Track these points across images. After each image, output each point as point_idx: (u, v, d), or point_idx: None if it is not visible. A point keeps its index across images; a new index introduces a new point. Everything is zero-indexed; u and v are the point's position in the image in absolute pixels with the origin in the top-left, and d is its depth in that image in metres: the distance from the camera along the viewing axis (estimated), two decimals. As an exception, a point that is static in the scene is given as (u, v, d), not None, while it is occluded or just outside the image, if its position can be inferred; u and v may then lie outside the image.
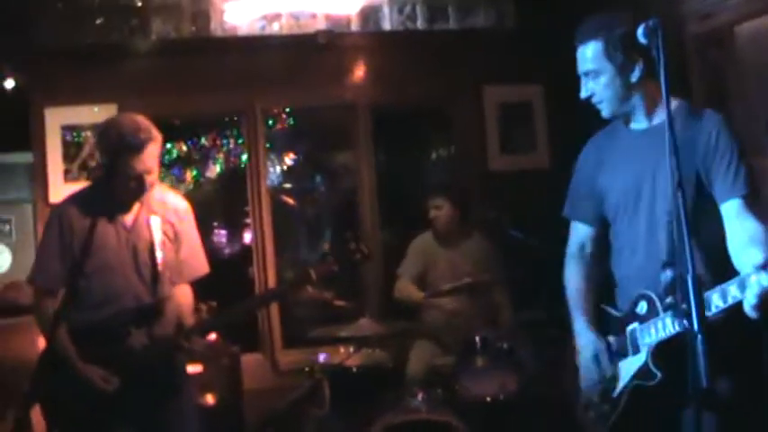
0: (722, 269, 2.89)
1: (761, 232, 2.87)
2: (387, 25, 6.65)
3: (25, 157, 6.86)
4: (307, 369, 5.38)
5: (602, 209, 3.40)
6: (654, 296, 3.07)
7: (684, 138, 2.98)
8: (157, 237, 3.96)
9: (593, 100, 3.20)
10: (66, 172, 6.31)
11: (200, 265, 4.22)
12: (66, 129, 6.34)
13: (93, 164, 6.25)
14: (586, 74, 3.18)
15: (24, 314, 5.16)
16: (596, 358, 3.28)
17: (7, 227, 8.58)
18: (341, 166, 8.62)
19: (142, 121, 3.84)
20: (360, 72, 6.89)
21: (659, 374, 3.01)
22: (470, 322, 5.64)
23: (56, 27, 6.24)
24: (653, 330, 3.06)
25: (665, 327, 2.99)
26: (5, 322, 5.18)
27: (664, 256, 3.05)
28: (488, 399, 4.88)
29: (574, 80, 3.24)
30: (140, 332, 3.90)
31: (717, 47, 5.26)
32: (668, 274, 3.00)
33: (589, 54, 3.14)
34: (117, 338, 3.86)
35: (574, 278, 3.51)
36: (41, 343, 3.98)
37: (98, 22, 6.29)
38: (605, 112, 3.21)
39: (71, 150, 6.33)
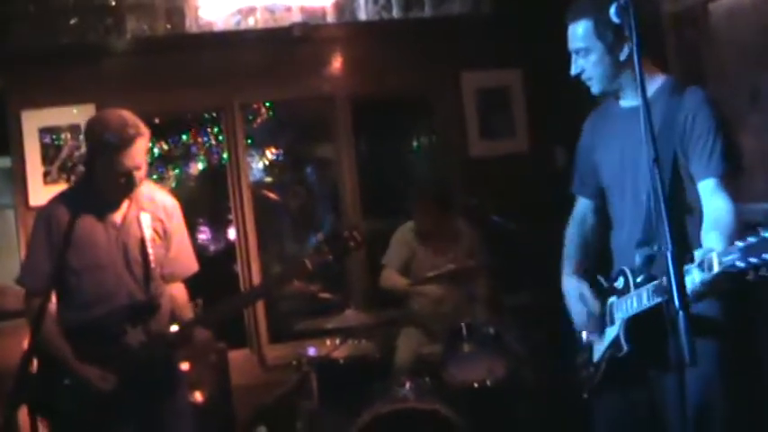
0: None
1: (727, 214, 2.91)
2: (362, 15, 6.64)
3: (3, 162, 6.82)
4: (294, 363, 5.38)
5: (600, 184, 3.49)
6: (628, 272, 3.13)
7: (666, 116, 3.04)
8: (147, 234, 3.93)
9: (583, 77, 3.25)
10: (46, 174, 6.27)
11: (191, 263, 4.21)
12: (45, 131, 6.30)
13: (72, 165, 6.23)
14: (576, 51, 3.22)
15: (9, 318, 5.15)
16: (581, 297, 3.39)
17: (-11, 232, 8.55)
18: (322, 159, 8.61)
19: (129, 116, 3.79)
20: (337, 63, 6.88)
21: (626, 347, 3.11)
22: (456, 309, 5.66)
23: (30, 29, 6.20)
24: (625, 305, 3.14)
25: (634, 303, 3.07)
26: (-11, 327, 5.16)
27: (639, 234, 3.11)
28: (476, 385, 4.89)
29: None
30: (136, 330, 3.87)
31: (692, 25, 5.26)
32: (642, 252, 3.04)
33: (580, 32, 3.18)
34: (113, 337, 3.83)
35: (571, 237, 3.63)
36: (25, 346, 3.96)
37: (72, 22, 6.25)
38: (595, 88, 3.26)
39: (50, 152, 6.29)
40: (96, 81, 6.37)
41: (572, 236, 3.63)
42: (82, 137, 6.22)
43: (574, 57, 3.24)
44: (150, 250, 3.92)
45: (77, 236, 3.74)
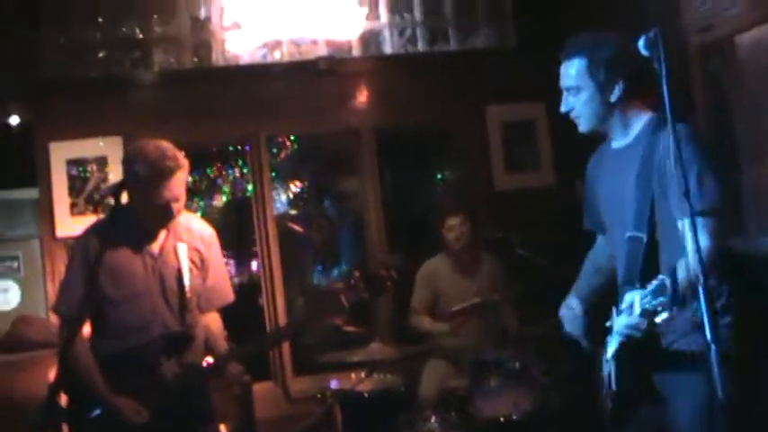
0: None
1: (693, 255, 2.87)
2: (388, 49, 6.67)
3: (31, 193, 6.87)
4: (319, 396, 5.34)
5: (603, 220, 3.49)
6: (614, 312, 3.14)
7: (645, 155, 3.08)
8: (185, 264, 3.90)
9: (572, 115, 3.25)
10: (73, 206, 6.31)
11: (227, 293, 4.17)
12: (72, 163, 6.34)
13: (99, 197, 6.25)
14: (568, 89, 3.23)
15: (35, 349, 5.16)
16: (566, 304, 3.49)
17: (15, 263, 8.59)
18: (347, 192, 8.62)
19: (168, 147, 3.76)
20: (362, 97, 6.90)
21: (614, 387, 3.15)
22: (481, 342, 5.63)
23: (58, 62, 6.25)
24: (610, 345, 3.16)
25: (612, 344, 3.13)
26: (16, 357, 5.16)
27: (622, 273, 3.13)
28: (502, 419, 4.85)
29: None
30: (171, 362, 3.83)
31: (718, 57, 5.25)
32: (623, 291, 3.03)
33: (572, 71, 3.19)
34: (147, 368, 3.79)
35: (584, 267, 3.66)
36: (51, 377, 3.96)
37: (100, 55, 6.31)
38: (582, 127, 3.26)
39: (77, 184, 6.33)
40: (123, 113, 6.42)
41: (585, 266, 3.66)
42: (108, 168, 6.27)
43: (565, 94, 3.25)
44: (187, 281, 3.88)
45: (114, 265, 3.74)
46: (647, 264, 2.63)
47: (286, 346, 6.69)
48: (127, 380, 3.74)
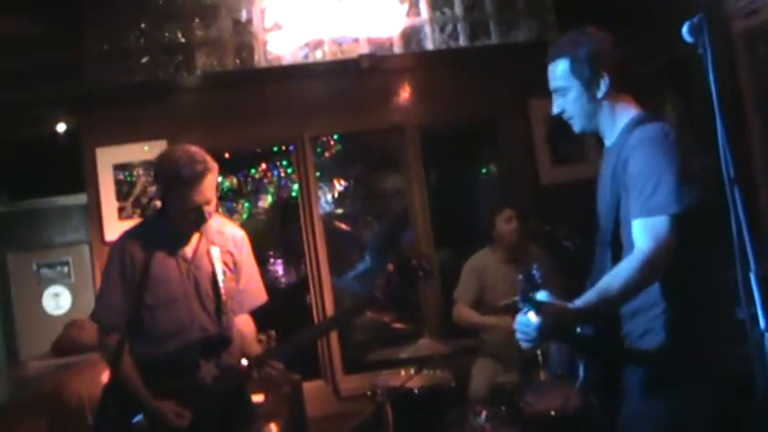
0: (674, 292, 2.93)
1: (628, 260, 2.86)
2: (429, 45, 6.65)
3: (79, 199, 6.96)
4: (369, 393, 5.35)
5: None
6: None
7: (618, 157, 3.05)
8: (218, 267, 3.94)
9: (564, 116, 3.23)
10: (121, 210, 6.38)
11: (260, 294, 4.20)
12: (118, 167, 6.43)
13: (147, 200, 6.32)
14: (556, 91, 3.22)
15: (86, 352, 5.22)
16: None
17: (66, 268, 8.75)
18: (392, 189, 8.61)
19: (197, 151, 3.79)
20: (405, 93, 6.91)
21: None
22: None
23: (102, 69, 6.31)
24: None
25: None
26: (68, 360, 5.22)
27: (591, 279, 3.10)
28: (553, 413, 4.81)
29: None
30: (209, 364, 3.88)
31: (764, 41, 5.18)
32: None
33: (558, 72, 3.18)
34: (186, 371, 3.84)
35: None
36: (104, 380, 3.99)
37: (144, 60, 6.36)
38: (576, 127, 3.24)
39: (124, 188, 6.41)
40: (167, 117, 6.49)
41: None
42: (154, 173, 6.33)
43: (554, 96, 3.23)
44: (221, 284, 3.92)
45: (150, 270, 3.77)
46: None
47: (335, 345, 6.72)
48: (166, 384, 3.78)
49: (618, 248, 2.97)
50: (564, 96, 3.18)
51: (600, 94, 3.11)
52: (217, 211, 4.02)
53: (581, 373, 3.10)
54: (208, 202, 3.81)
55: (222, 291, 3.93)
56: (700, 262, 2.94)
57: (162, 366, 3.81)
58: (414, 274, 4.03)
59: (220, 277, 3.94)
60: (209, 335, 3.90)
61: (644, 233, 2.84)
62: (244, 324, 4.11)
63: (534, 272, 2.86)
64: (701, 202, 2.88)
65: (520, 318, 2.90)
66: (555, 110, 3.24)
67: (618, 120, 3.12)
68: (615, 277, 2.83)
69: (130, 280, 3.81)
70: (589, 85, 3.11)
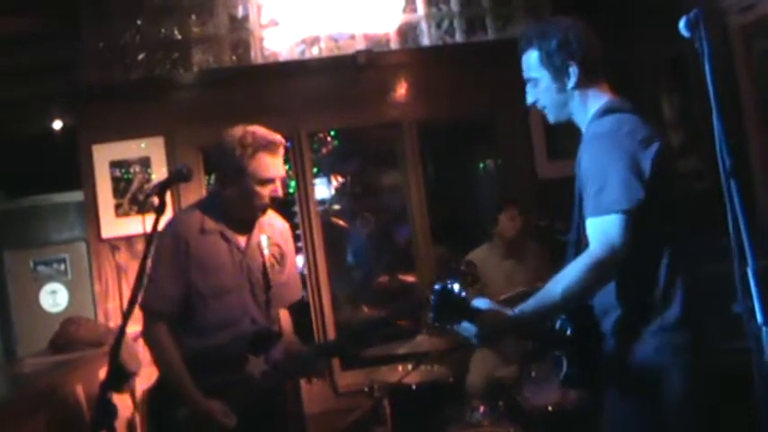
0: (632, 291, 2.91)
1: (575, 261, 2.82)
2: (426, 41, 6.66)
3: (76, 196, 6.95)
4: (366, 389, 5.35)
5: None
6: None
7: (579, 155, 3.04)
8: (268, 259, 3.89)
9: (538, 106, 3.21)
10: (117, 207, 6.37)
11: (298, 289, 4.19)
12: (115, 164, 6.41)
13: (142, 197, 6.31)
14: (528, 81, 3.20)
15: (84, 349, 5.21)
16: None
17: (63, 266, 8.74)
18: (390, 185, 8.61)
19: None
20: (402, 89, 6.90)
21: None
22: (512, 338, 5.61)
23: (99, 65, 6.32)
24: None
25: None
26: (66, 357, 5.22)
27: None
28: (551, 408, 4.83)
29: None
30: (258, 359, 3.79)
31: (762, 36, 5.18)
32: None
33: (529, 62, 3.16)
34: (234, 365, 3.74)
35: None
36: (102, 376, 3.98)
37: (140, 57, 6.36)
38: (550, 117, 3.22)
39: (121, 185, 6.40)
40: (164, 114, 6.47)
41: None
42: (151, 169, 6.32)
43: (528, 86, 3.22)
44: (270, 275, 3.87)
45: (204, 259, 3.72)
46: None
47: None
48: (214, 377, 3.69)
49: (581, 247, 2.91)
50: (536, 87, 3.16)
51: (570, 84, 3.07)
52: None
53: (563, 369, 3.10)
54: (282, 176, 3.80)
55: (272, 282, 3.87)
56: (660, 259, 2.88)
57: (210, 359, 3.72)
58: (464, 282, 3.96)
59: (270, 269, 3.88)
60: (260, 328, 3.84)
61: (594, 233, 2.80)
62: (283, 318, 4.07)
63: (450, 284, 2.86)
64: (665, 197, 2.85)
65: (462, 323, 2.93)
66: (528, 100, 3.22)
67: (589, 109, 3.08)
68: (560, 279, 2.82)
69: (183, 266, 3.72)
70: (558, 76, 3.08)
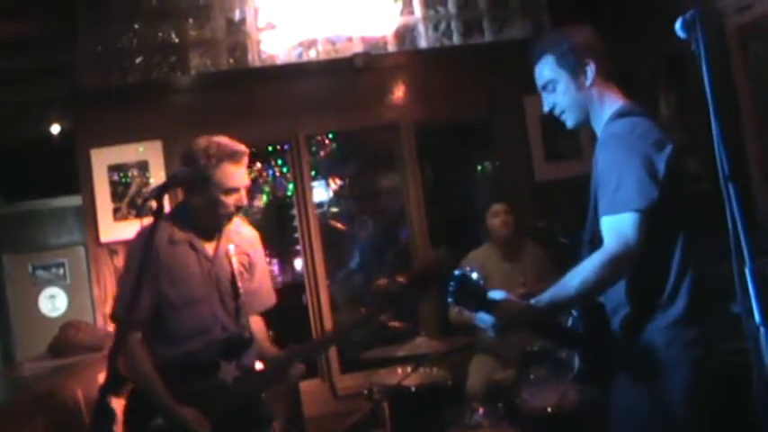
0: (642, 289, 2.94)
1: (590, 258, 2.86)
2: (423, 43, 6.67)
3: (74, 200, 6.95)
4: (366, 392, 5.35)
5: None
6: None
7: (595, 156, 3.06)
8: (236, 267, 3.90)
9: (556, 112, 3.23)
10: (116, 211, 6.37)
11: (270, 296, 4.17)
12: (113, 168, 6.41)
13: (140, 201, 6.31)
14: (544, 87, 3.23)
15: (82, 353, 5.22)
16: None
17: (62, 270, 8.74)
18: (388, 187, 8.62)
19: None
20: (400, 92, 6.90)
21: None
22: (527, 333, 5.60)
23: (96, 69, 6.32)
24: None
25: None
26: (64, 362, 5.22)
27: None
28: (550, 410, 4.82)
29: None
30: (230, 365, 3.81)
31: (758, 38, 5.19)
32: None
33: (544, 68, 3.21)
34: (206, 372, 3.77)
35: None
36: (100, 380, 3.98)
37: (137, 61, 6.37)
38: (569, 121, 3.23)
39: (119, 189, 6.40)
40: (162, 118, 6.48)
41: None
42: (149, 173, 6.32)
43: (543, 95, 3.25)
44: (239, 283, 3.88)
45: (173, 268, 3.73)
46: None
47: (332, 344, 6.72)
48: (187, 385, 3.70)
49: (596, 247, 2.94)
50: (553, 91, 3.19)
51: (588, 81, 3.11)
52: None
53: (576, 365, 3.12)
54: (246, 185, 3.81)
55: (241, 290, 3.88)
56: (671, 259, 2.92)
57: (182, 367, 3.74)
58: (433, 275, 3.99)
59: (238, 277, 3.89)
60: (231, 335, 3.84)
61: (609, 231, 2.85)
62: (255, 325, 4.06)
63: (473, 273, 2.88)
64: (676, 198, 2.88)
65: (479, 314, 2.98)
66: (545, 107, 3.24)
67: (605, 111, 3.12)
68: (576, 274, 2.86)
69: (152, 276, 3.72)
70: (576, 74, 3.13)
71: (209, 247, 3.89)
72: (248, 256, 4.01)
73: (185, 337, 3.78)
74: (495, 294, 2.95)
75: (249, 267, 4.02)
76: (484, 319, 2.98)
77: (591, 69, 3.10)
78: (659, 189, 2.83)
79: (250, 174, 8.52)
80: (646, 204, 2.80)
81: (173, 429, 3.67)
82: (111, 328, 6.03)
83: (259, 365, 4.01)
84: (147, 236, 3.77)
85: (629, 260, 2.80)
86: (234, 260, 3.90)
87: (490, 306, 2.93)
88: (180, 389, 3.69)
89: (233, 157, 3.72)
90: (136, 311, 3.65)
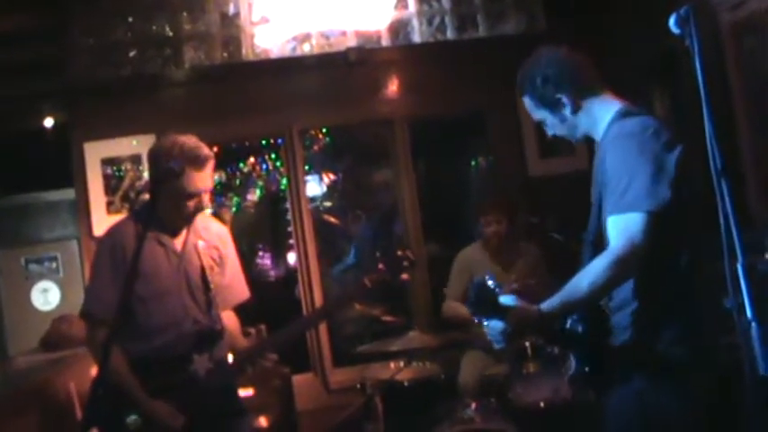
0: (646, 284, 2.94)
1: (600, 258, 2.84)
2: (417, 38, 6.65)
3: (68, 194, 6.94)
4: (359, 386, 5.36)
5: None
6: None
7: (599, 154, 3.07)
8: (206, 261, 3.94)
9: (559, 135, 3.29)
10: (109, 204, 6.37)
11: (243, 291, 4.21)
12: (107, 162, 6.41)
13: (136, 194, 6.31)
14: (539, 122, 3.31)
15: (75, 347, 5.22)
16: None
17: (54, 264, 8.73)
18: (381, 182, 8.62)
19: (197, 140, 3.80)
20: (394, 86, 6.90)
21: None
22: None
23: (90, 63, 6.30)
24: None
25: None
26: (57, 355, 5.22)
27: None
28: (542, 405, 4.83)
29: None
30: (202, 357, 3.84)
31: (752, 33, 5.19)
32: None
33: (530, 108, 3.29)
34: (179, 365, 3.80)
35: None
36: (94, 374, 3.98)
37: (131, 54, 6.35)
38: (573, 140, 3.30)
39: (112, 183, 6.39)
40: (156, 111, 6.47)
41: None
42: (143, 166, 6.32)
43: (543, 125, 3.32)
44: (210, 277, 3.93)
45: (142, 263, 3.71)
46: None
47: (325, 338, 6.72)
48: (159, 379, 3.74)
49: (600, 247, 2.93)
50: (546, 125, 3.26)
51: (567, 112, 3.15)
52: (207, 205, 4.01)
53: (572, 365, 3.12)
54: (208, 190, 3.82)
55: (211, 284, 3.92)
56: (679, 257, 2.92)
57: (154, 361, 3.77)
58: (399, 265, 4.04)
59: (208, 271, 3.93)
60: (202, 328, 3.88)
61: (616, 231, 2.83)
62: (228, 320, 4.11)
63: (489, 281, 2.88)
64: (685, 198, 2.86)
65: (488, 321, 2.96)
66: (549, 133, 3.31)
67: (600, 118, 3.12)
68: (585, 275, 2.84)
69: (122, 273, 3.74)
70: (555, 110, 3.17)
71: (177, 243, 3.93)
72: (218, 250, 4.06)
73: (157, 331, 3.81)
74: (506, 300, 2.94)
75: (220, 262, 4.06)
76: (494, 327, 2.96)
77: (566, 101, 3.13)
78: (671, 190, 2.81)
79: (243, 169, 8.58)
80: (656, 206, 2.79)
81: (146, 423, 3.69)
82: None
83: (231, 358, 4.01)
84: (114, 233, 3.89)
85: (636, 261, 2.79)
86: (203, 254, 3.94)
87: (504, 313, 2.90)
88: (153, 382, 3.73)
89: (195, 161, 3.71)
90: (105, 308, 3.72)
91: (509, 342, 2.97)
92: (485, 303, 2.89)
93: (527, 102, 3.26)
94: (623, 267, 2.80)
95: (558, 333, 3.11)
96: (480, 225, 6.00)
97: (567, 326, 3.06)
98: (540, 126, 3.33)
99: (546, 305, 2.90)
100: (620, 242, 2.80)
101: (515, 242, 6.02)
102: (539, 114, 3.24)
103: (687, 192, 2.89)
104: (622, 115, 3.07)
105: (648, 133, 2.93)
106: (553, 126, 3.23)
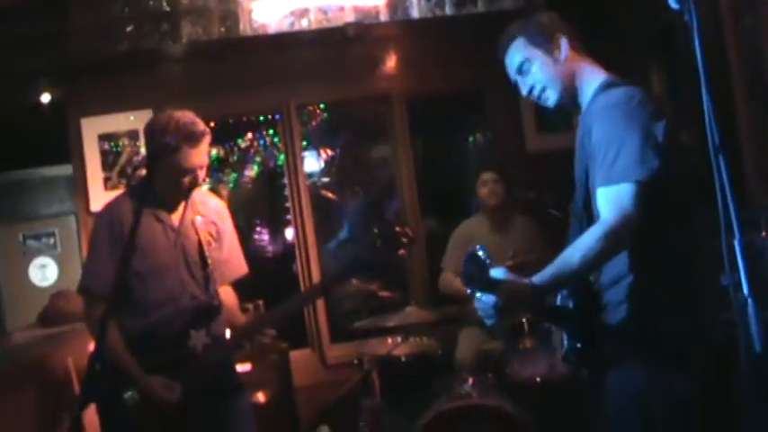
0: (642, 260, 2.91)
1: (592, 230, 2.80)
2: (415, 13, 6.62)
3: (65, 170, 6.92)
4: (356, 361, 5.38)
5: None
6: None
7: (582, 128, 3.03)
8: (203, 237, 3.94)
9: (535, 93, 3.18)
10: (107, 180, 6.37)
11: (241, 266, 4.21)
12: (104, 138, 6.40)
13: (133, 169, 6.31)
14: (520, 70, 3.20)
15: (73, 322, 5.22)
16: None
17: (52, 239, 8.73)
18: (379, 158, 8.60)
19: (193, 115, 3.80)
20: (391, 62, 6.89)
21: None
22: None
23: (87, 38, 6.27)
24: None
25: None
26: (55, 331, 5.22)
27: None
28: (539, 380, 4.85)
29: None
30: (199, 333, 3.84)
31: (751, 12, 5.17)
32: None
33: (515, 53, 3.19)
34: (176, 340, 3.80)
35: None
36: (91, 350, 3.98)
37: (128, 29, 6.32)
38: (551, 99, 3.17)
39: (109, 158, 6.39)
40: (153, 87, 6.46)
41: None
42: (140, 142, 6.31)
43: (519, 79, 3.21)
44: (207, 252, 3.93)
45: (139, 239, 3.73)
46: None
47: (322, 314, 6.74)
48: (156, 354, 3.74)
49: (588, 220, 2.92)
50: (529, 72, 3.16)
51: (562, 55, 3.10)
52: (204, 181, 4.01)
53: (564, 343, 3.11)
54: (203, 166, 3.81)
55: (209, 260, 3.93)
56: (675, 231, 2.90)
57: (152, 336, 3.77)
58: (397, 241, 4.01)
59: (205, 247, 3.94)
60: (200, 304, 3.89)
61: (607, 202, 2.80)
62: (226, 295, 4.12)
63: (479, 252, 2.84)
64: (677, 170, 2.85)
65: (478, 296, 2.90)
66: (524, 91, 3.21)
67: (587, 84, 3.09)
68: (576, 249, 2.80)
69: (119, 248, 3.74)
70: (550, 49, 3.11)
71: (175, 218, 3.94)
72: (215, 225, 4.06)
73: (154, 306, 3.82)
74: (497, 273, 2.88)
75: (217, 237, 4.06)
76: (485, 302, 2.90)
77: (563, 42, 3.09)
78: (660, 159, 2.78)
79: (241, 145, 8.55)
80: (645, 175, 2.76)
81: (143, 398, 3.70)
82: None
83: (228, 333, 4.01)
84: (111, 209, 3.90)
85: (628, 232, 2.76)
86: (200, 230, 3.95)
87: (495, 286, 2.84)
88: (151, 358, 3.74)
89: (191, 137, 3.71)
90: (103, 283, 3.74)
91: (501, 317, 2.90)
92: (476, 276, 2.84)
93: (515, 46, 3.18)
94: (615, 239, 2.76)
95: (548, 310, 3.10)
96: (477, 189, 6.00)
97: (558, 302, 3.06)
98: (536, 101, 3.27)
99: (537, 278, 2.85)
100: (612, 214, 2.77)
101: (512, 213, 6.02)
102: (526, 53, 3.14)
103: (679, 164, 2.88)
104: (608, 86, 3.03)
105: (634, 102, 2.89)
106: (538, 73, 3.12)
